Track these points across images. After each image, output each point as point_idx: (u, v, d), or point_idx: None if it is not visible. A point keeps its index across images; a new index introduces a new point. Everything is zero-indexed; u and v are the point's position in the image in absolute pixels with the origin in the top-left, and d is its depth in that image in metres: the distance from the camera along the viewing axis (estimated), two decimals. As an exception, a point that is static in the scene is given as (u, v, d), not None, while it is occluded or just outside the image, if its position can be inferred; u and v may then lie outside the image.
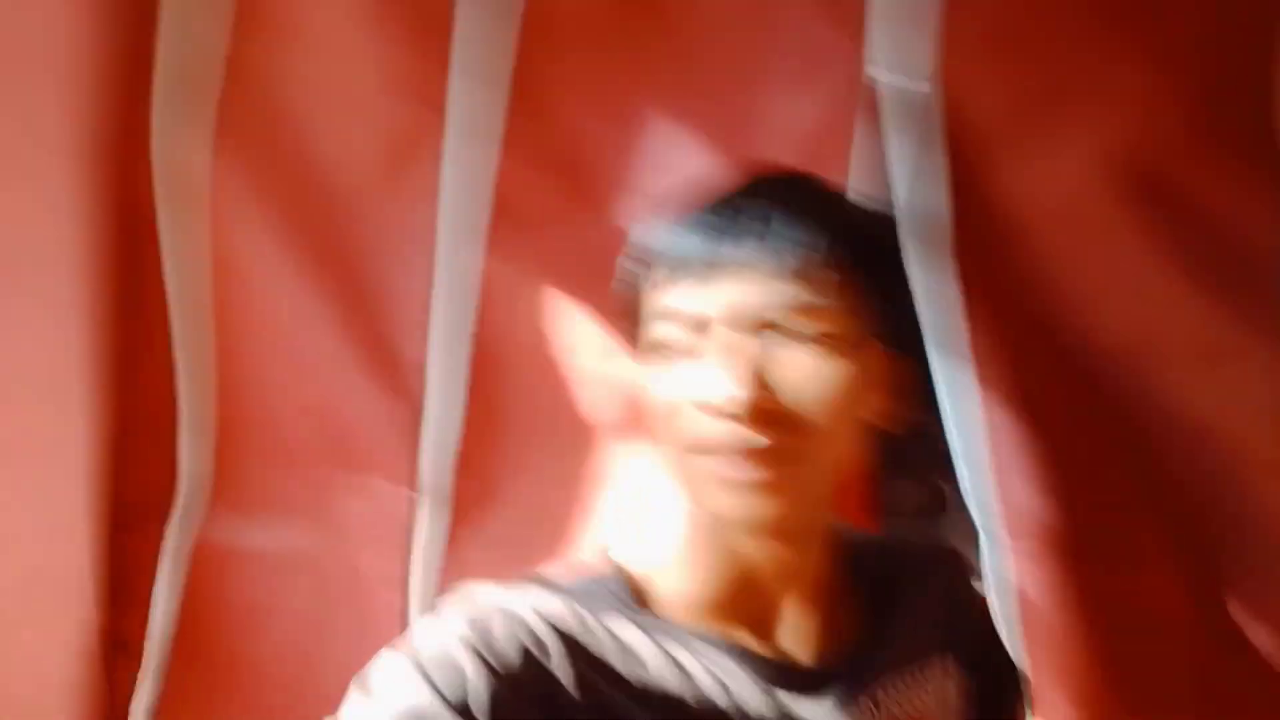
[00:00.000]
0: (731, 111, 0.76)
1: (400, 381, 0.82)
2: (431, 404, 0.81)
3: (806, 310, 0.51)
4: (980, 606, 0.63)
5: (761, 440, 0.50)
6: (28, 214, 0.69)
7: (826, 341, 0.52)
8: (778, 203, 0.54)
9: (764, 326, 0.51)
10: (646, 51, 0.77)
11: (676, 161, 0.76)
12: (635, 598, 0.55)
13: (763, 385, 0.51)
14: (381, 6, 0.76)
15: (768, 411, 0.50)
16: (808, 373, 0.51)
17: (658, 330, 0.55)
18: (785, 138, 0.74)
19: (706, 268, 0.52)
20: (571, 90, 0.79)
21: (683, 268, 0.53)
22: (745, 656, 0.54)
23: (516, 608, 0.51)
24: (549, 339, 0.80)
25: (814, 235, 0.52)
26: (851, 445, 0.56)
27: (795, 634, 0.56)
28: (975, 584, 0.65)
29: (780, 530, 0.54)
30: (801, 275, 0.51)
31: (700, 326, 0.52)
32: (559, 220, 0.80)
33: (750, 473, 0.50)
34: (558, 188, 0.81)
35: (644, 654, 0.52)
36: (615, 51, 0.77)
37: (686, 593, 0.55)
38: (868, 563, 0.62)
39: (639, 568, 0.56)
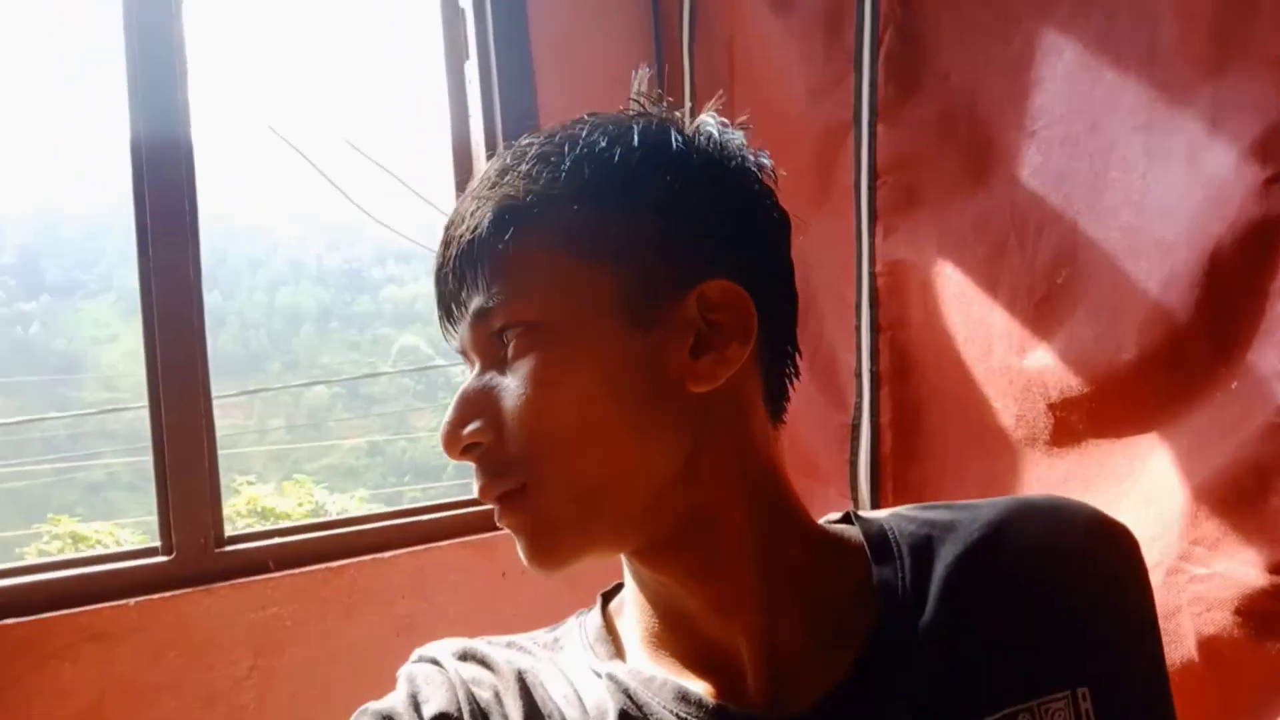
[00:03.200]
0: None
1: (836, 389, 0.82)
2: (863, 410, 0.79)
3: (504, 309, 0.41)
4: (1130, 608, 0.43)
5: (484, 485, 0.42)
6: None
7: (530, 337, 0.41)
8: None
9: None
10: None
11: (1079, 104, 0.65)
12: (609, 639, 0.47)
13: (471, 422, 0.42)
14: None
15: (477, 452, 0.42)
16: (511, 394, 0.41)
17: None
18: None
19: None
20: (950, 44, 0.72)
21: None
22: (689, 703, 0.42)
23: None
24: (954, 333, 0.74)
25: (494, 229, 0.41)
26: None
27: (783, 676, 0.42)
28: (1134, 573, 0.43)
29: (641, 556, 0.43)
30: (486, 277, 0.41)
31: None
32: (951, 194, 0.74)
33: (500, 521, 0.42)
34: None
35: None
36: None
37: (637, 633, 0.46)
38: (914, 557, 0.44)
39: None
